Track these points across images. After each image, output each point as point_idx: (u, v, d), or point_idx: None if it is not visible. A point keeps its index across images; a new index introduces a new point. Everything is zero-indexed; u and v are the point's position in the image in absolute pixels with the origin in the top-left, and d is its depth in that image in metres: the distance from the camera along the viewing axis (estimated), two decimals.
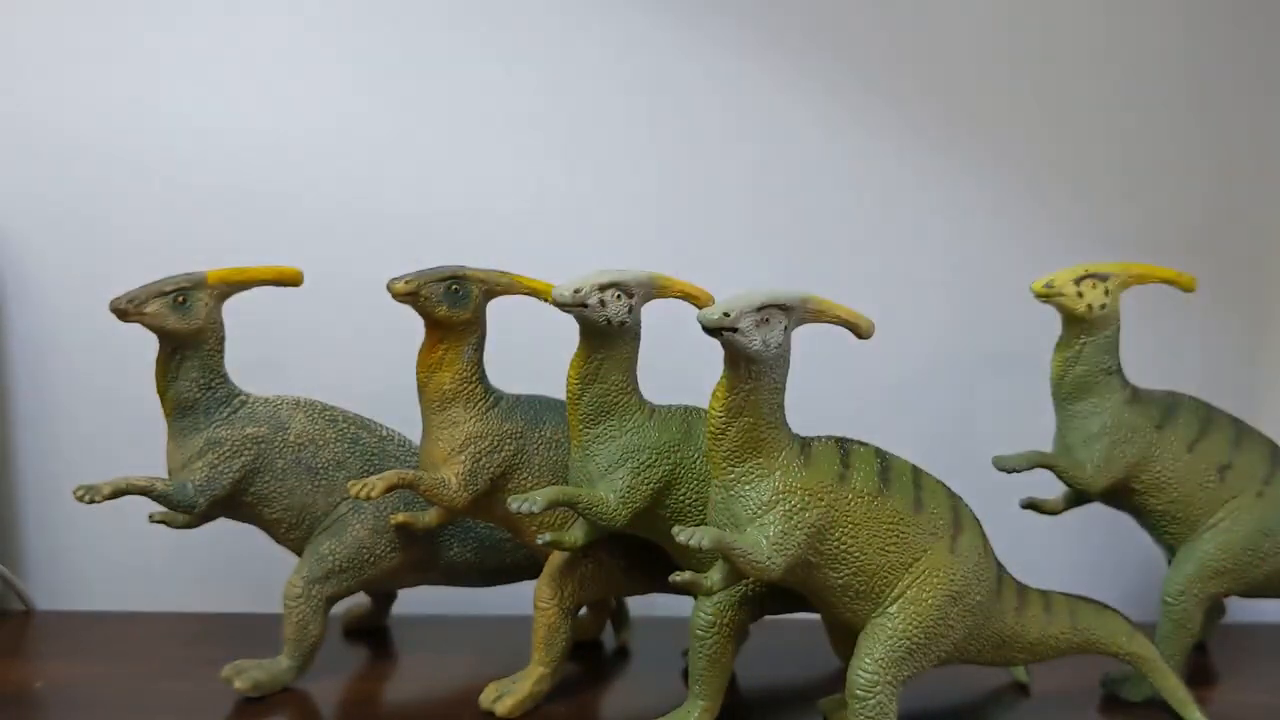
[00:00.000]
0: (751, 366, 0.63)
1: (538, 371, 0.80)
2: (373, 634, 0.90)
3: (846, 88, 0.97)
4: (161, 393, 0.78)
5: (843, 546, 0.66)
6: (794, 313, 0.64)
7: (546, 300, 0.74)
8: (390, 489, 0.73)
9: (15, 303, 0.96)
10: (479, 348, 0.76)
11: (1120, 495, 0.79)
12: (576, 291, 0.69)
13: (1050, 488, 0.83)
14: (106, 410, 0.97)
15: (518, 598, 0.85)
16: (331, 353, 0.96)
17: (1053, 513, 0.82)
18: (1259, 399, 0.98)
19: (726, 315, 0.62)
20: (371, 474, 0.80)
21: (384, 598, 0.92)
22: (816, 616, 0.72)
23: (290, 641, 0.79)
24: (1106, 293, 0.77)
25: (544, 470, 0.76)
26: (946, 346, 0.99)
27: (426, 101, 0.96)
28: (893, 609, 0.67)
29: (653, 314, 0.73)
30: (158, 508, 0.80)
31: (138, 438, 0.90)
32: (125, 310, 0.76)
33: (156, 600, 0.95)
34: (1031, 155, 0.98)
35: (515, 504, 0.69)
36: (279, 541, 0.82)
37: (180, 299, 0.76)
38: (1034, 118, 0.97)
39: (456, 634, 0.90)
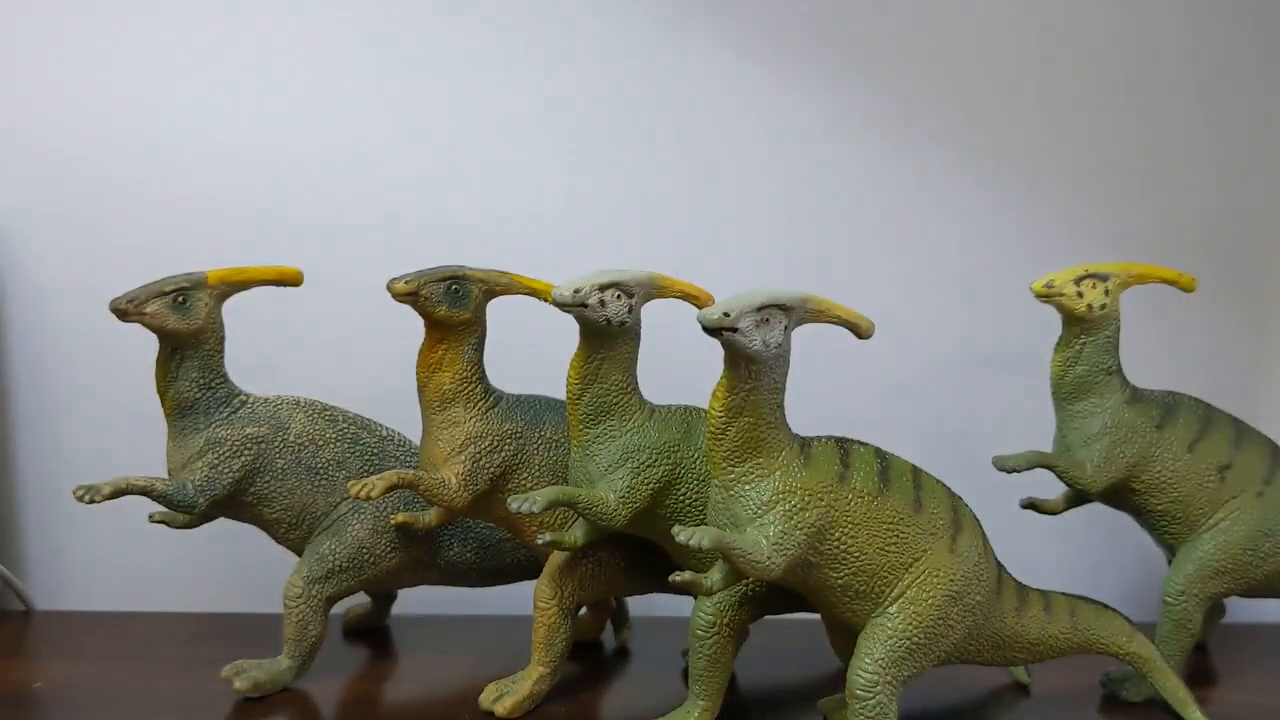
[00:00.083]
0: (751, 366, 0.63)
1: (538, 371, 0.80)
2: (373, 634, 0.90)
3: (849, 88, 0.97)
4: (161, 393, 0.78)
5: (843, 546, 0.66)
6: (794, 313, 0.64)
7: (546, 300, 0.74)
8: (390, 489, 0.73)
9: (15, 303, 0.96)
10: (479, 348, 0.76)
11: (1120, 495, 0.79)
12: (576, 291, 0.69)
13: (1050, 488, 0.83)
14: (106, 410, 0.97)
15: (518, 598, 0.85)
16: (331, 353, 0.96)
17: (1053, 513, 0.82)
18: (1259, 399, 0.98)
19: (726, 315, 0.62)
20: (371, 474, 0.80)
21: (384, 598, 0.92)
22: (816, 616, 0.72)
23: (290, 641, 0.79)
24: (1106, 293, 0.77)
25: (544, 470, 0.76)
26: (946, 347, 0.99)
27: (426, 102, 0.96)
28: (893, 609, 0.67)
29: (653, 314, 0.73)
30: (158, 508, 0.80)
31: (138, 438, 0.90)
32: (125, 310, 0.76)
33: (156, 600, 0.95)
34: (1034, 155, 0.98)
35: (515, 504, 0.69)
36: (279, 541, 0.82)
37: (180, 299, 0.76)
38: (1036, 118, 0.97)
39: (456, 634, 0.90)
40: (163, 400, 0.78)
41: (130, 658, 0.84)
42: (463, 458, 0.74)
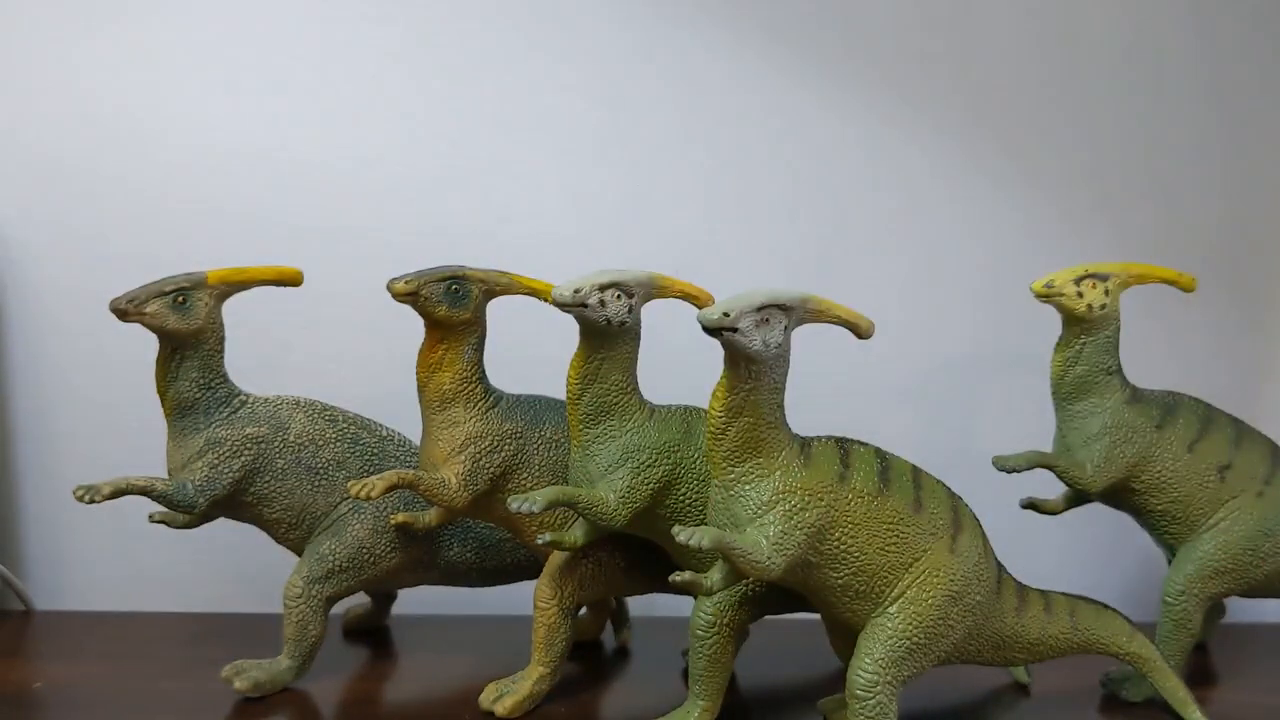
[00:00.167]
0: (751, 366, 0.63)
1: (538, 371, 0.80)
2: (373, 634, 0.90)
3: (850, 88, 0.97)
4: (161, 393, 0.78)
5: (843, 546, 0.66)
6: (794, 313, 0.64)
7: (546, 300, 0.74)
8: (390, 489, 0.73)
9: (15, 303, 0.96)
10: (479, 348, 0.76)
11: (1120, 495, 0.79)
12: (576, 291, 0.69)
13: (1050, 488, 0.83)
14: (106, 411, 0.96)
15: (518, 598, 0.85)
16: (331, 353, 0.96)
17: (1053, 513, 0.82)
18: (1259, 399, 0.98)
19: (726, 315, 0.62)
20: (371, 474, 0.80)
21: (384, 598, 0.92)
22: (816, 616, 0.72)
23: (290, 641, 0.79)
24: (1106, 293, 0.77)
25: (544, 470, 0.76)
26: (946, 346, 0.99)
27: (426, 102, 0.96)
28: (893, 609, 0.67)
29: (653, 314, 0.73)
30: (158, 508, 0.80)
31: (138, 438, 0.90)
32: (125, 310, 0.76)
33: (156, 600, 0.95)
34: (1034, 155, 0.98)
35: (515, 504, 0.69)
36: (279, 541, 0.82)
37: (180, 299, 0.76)
38: (1037, 118, 0.97)
39: (456, 634, 0.90)
40: (163, 400, 0.78)
41: (130, 658, 0.84)
42: (463, 458, 0.74)
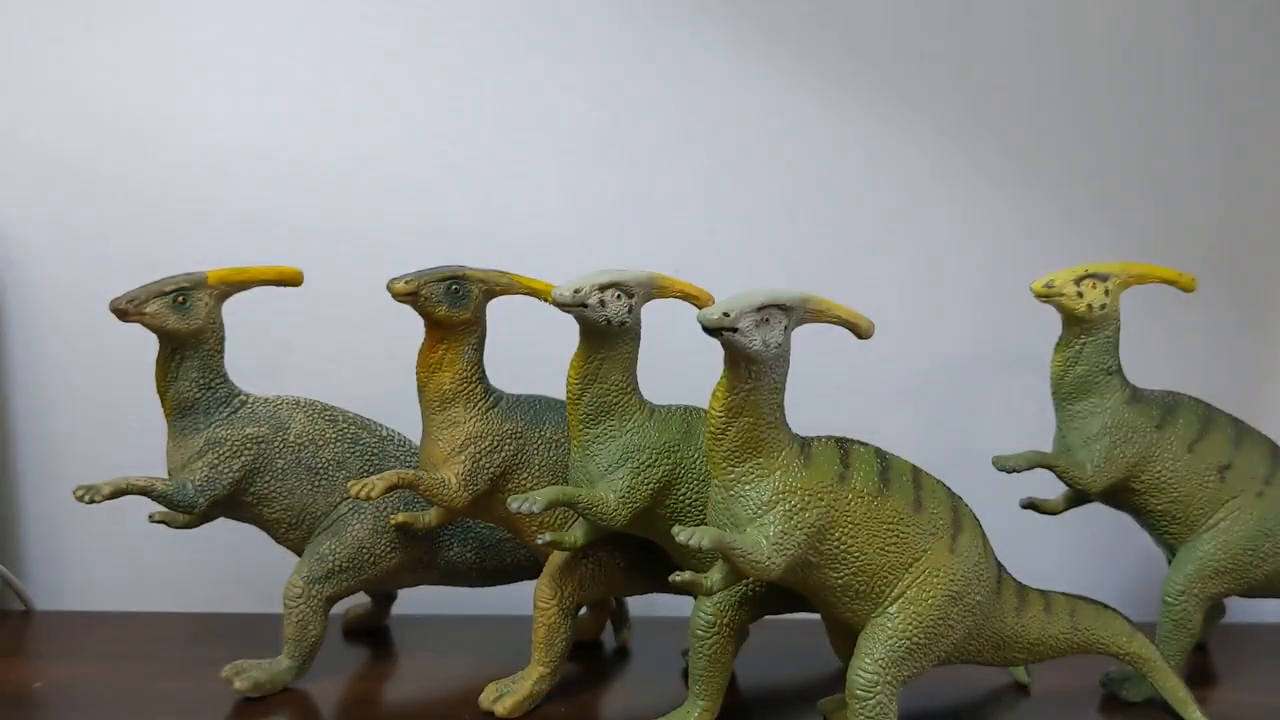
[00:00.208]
0: (751, 366, 0.63)
1: (538, 371, 0.80)
2: (373, 634, 0.90)
3: (850, 88, 0.97)
4: (161, 393, 0.78)
5: (843, 546, 0.66)
6: (794, 313, 0.64)
7: (546, 300, 0.74)
8: (390, 489, 0.73)
9: (15, 303, 0.96)
10: (479, 348, 0.76)
11: (1120, 495, 0.79)
12: (576, 291, 0.69)
13: (1050, 488, 0.83)
14: (106, 411, 0.96)
15: (518, 598, 0.85)
16: (331, 353, 0.96)
17: (1053, 513, 0.82)
18: (1259, 399, 0.98)
19: (726, 315, 0.62)
20: (371, 474, 0.80)
21: (384, 598, 0.92)
22: (816, 616, 0.72)
23: (290, 641, 0.79)
24: (1106, 293, 0.77)
25: (544, 470, 0.76)
26: (947, 346, 0.99)
27: (426, 102, 0.96)
28: (893, 609, 0.67)
29: (653, 314, 0.73)
30: (158, 508, 0.80)
31: (138, 438, 0.90)
32: (125, 310, 0.76)
33: (156, 600, 0.95)
34: (1034, 155, 0.98)
35: (515, 504, 0.69)
36: (279, 541, 0.82)
37: (180, 299, 0.76)
38: (1037, 118, 0.97)
39: (456, 634, 0.90)
40: (163, 400, 0.78)
41: (130, 658, 0.84)
42: (463, 458, 0.74)
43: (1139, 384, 0.80)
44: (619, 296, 0.70)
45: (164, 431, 0.79)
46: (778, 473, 0.65)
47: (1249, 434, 0.80)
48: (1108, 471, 0.78)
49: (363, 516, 0.80)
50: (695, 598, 0.74)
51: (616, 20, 0.96)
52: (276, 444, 0.79)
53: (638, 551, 0.78)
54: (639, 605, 0.89)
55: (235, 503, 0.79)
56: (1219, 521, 0.79)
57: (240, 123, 0.96)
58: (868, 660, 0.67)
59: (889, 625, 0.67)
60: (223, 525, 0.82)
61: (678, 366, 0.79)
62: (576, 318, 0.71)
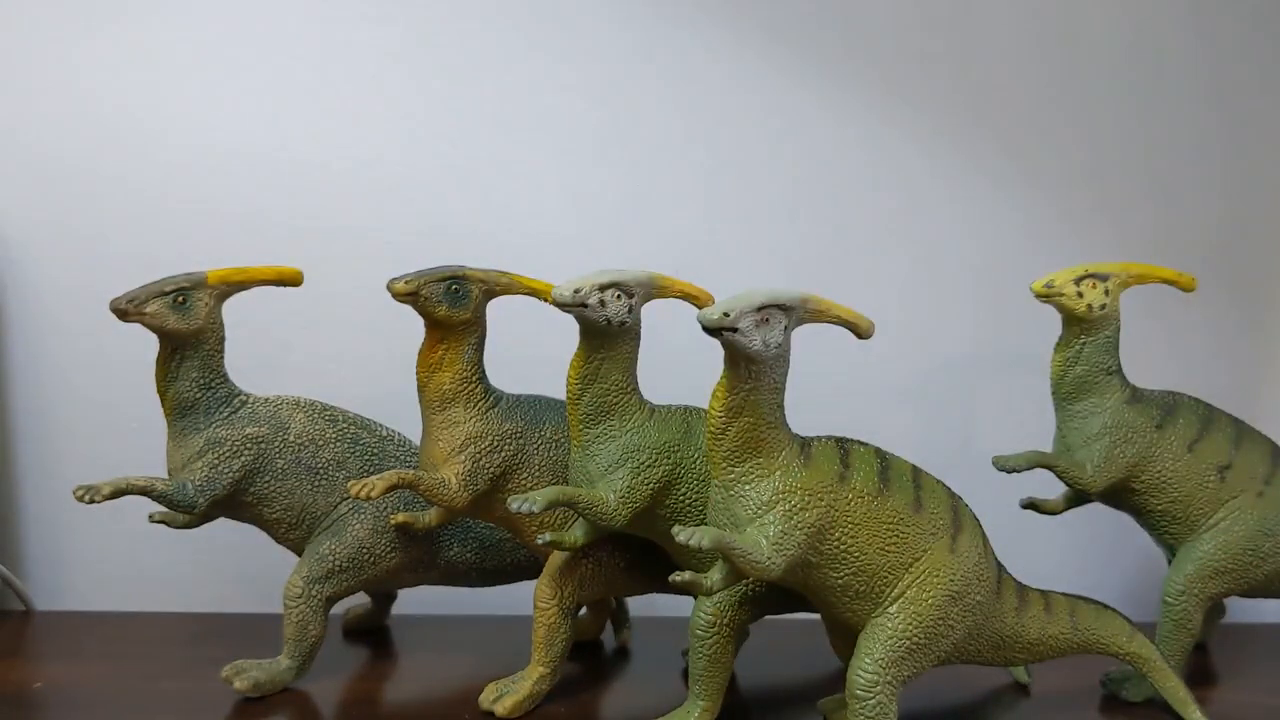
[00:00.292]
0: (751, 366, 0.63)
1: (538, 371, 0.80)
2: (373, 634, 0.90)
3: (850, 88, 0.97)
4: (161, 393, 0.78)
5: (843, 546, 0.66)
6: (794, 313, 0.64)
7: (546, 300, 0.74)
8: (390, 489, 0.73)
9: (15, 303, 0.96)
10: (479, 348, 0.76)
11: (1120, 495, 0.79)
12: (576, 291, 0.69)
13: (1050, 488, 0.83)
14: (106, 410, 0.96)
15: (518, 598, 0.85)
16: (331, 353, 0.96)
17: (1053, 513, 0.82)
18: (1259, 399, 0.98)
19: (726, 315, 0.62)
20: (371, 474, 0.80)
21: (384, 598, 0.92)
22: (816, 616, 0.72)
23: (290, 641, 0.79)
24: (1106, 293, 0.77)
25: (544, 470, 0.76)
26: (947, 346, 0.99)
27: (426, 102, 0.96)
28: (893, 609, 0.67)
29: (653, 314, 0.73)
30: (158, 508, 0.80)
31: (138, 438, 0.90)
32: (125, 310, 0.76)
33: (156, 600, 0.95)
34: (1034, 155, 0.98)
35: (515, 504, 0.69)
36: (279, 541, 0.82)
37: (180, 299, 0.76)
38: (1038, 118, 0.97)
39: (456, 634, 0.90)
40: (163, 400, 0.78)
41: (130, 658, 0.84)
42: (463, 458, 0.74)
43: (1139, 384, 0.80)
44: (619, 296, 0.70)
45: (164, 431, 0.79)
46: (778, 473, 0.65)
47: (1249, 434, 0.80)
48: (1108, 471, 0.78)
49: (363, 516, 0.80)
50: (695, 598, 0.74)
51: (616, 20, 0.96)
52: (276, 444, 0.79)
53: (638, 551, 0.78)
54: (639, 605, 0.89)
55: (235, 503, 0.79)
56: (1219, 521, 0.79)
57: (240, 123, 0.96)
58: (868, 660, 0.67)
59: (889, 625, 0.67)
60: (223, 525, 0.82)
61: (678, 366, 0.79)
62: (576, 318, 0.71)
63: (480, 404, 0.75)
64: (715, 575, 0.66)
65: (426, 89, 0.96)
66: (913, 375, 0.99)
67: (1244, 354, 0.99)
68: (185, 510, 0.77)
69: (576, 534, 0.74)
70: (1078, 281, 0.77)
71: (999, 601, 0.71)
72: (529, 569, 0.85)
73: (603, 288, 0.70)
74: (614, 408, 0.72)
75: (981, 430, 0.98)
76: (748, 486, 0.65)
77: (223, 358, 0.79)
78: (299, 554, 0.81)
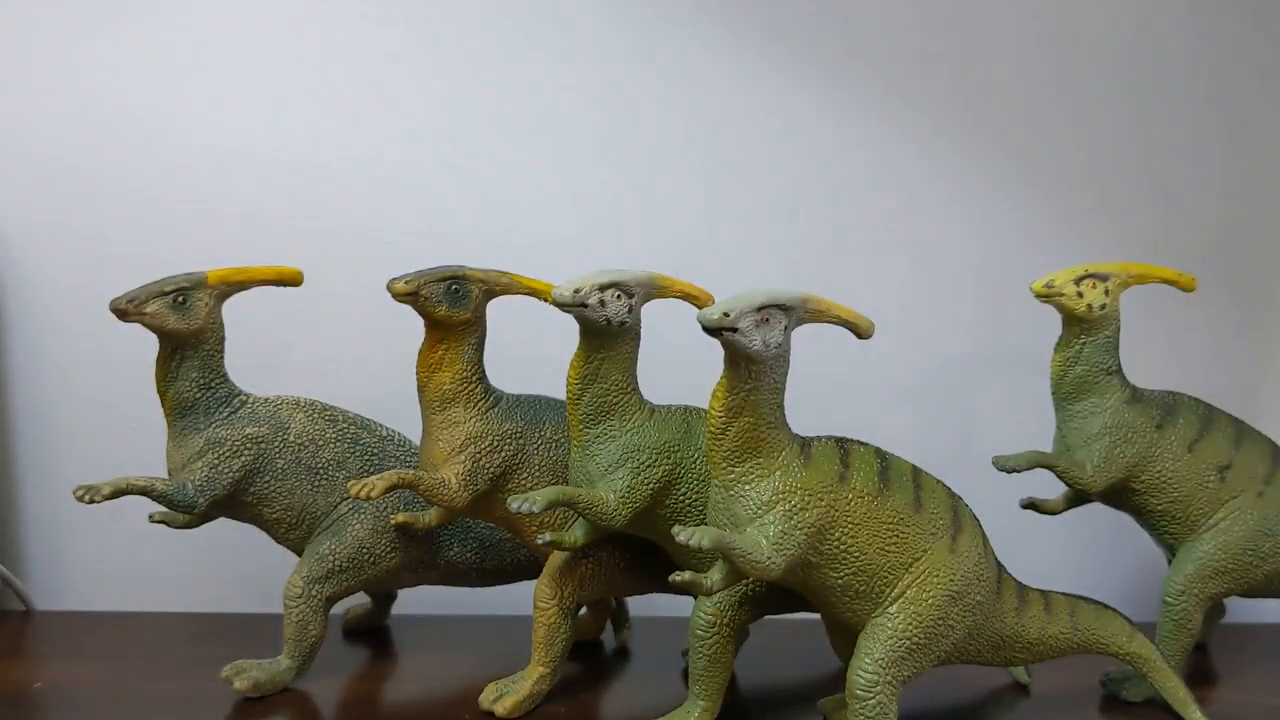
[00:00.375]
0: (751, 366, 0.63)
1: (538, 371, 0.80)
2: (373, 634, 0.90)
3: (850, 88, 0.97)
4: (161, 393, 0.78)
5: (843, 546, 0.66)
6: (794, 313, 0.64)
7: (546, 300, 0.74)
8: (390, 489, 0.73)
9: (15, 303, 0.96)
10: (479, 348, 0.76)
11: (1120, 495, 0.79)
12: (576, 291, 0.69)
13: (1050, 488, 0.83)
14: (106, 410, 0.96)
15: (518, 598, 0.85)
16: (331, 353, 0.96)
17: (1053, 513, 0.82)
18: (1259, 399, 0.98)
19: (726, 315, 0.62)
20: (371, 474, 0.80)
21: (384, 598, 0.92)
22: (816, 616, 0.72)
23: (290, 641, 0.79)
24: (1106, 293, 0.77)
25: (544, 470, 0.76)
26: (947, 346, 0.99)
27: (426, 102, 0.96)
28: (893, 609, 0.67)
29: (653, 314, 0.73)
30: (158, 508, 0.80)
31: (138, 438, 0.90)
32: (125, 310, 0.76)
33: (156, 600, 0.95)
34: (1034, 155, 0.98)
35: (515, 504, 0.69)
36: (279, 541, 0.82)
37: (180, 299, 0.76)
38: (1038, 118, 0.97)
39: (456, 634, 0.90)
40: (163, 400, 0.78)
41: (130, 658, 0.84)
42: (463, 458, 0.74)
43: (1139, 384, 0.80)
44: (619, 296, 0.70)
45: (164, 431, 0.79)
46: (778, 473, 0.65)
47: (1249, 434, 0.80)
48: (1108, 471, 0.78)
49: (363, 516, 0.80)
50: (695, 598, 0.74)
51: (616, 20, 0.96)
52: (276, 444, 0.79)
53: (638, 551, 0.78)
54: (639, 605, 0.89)
55: (235, 503, 0.79)
56: (1219, 521, 0.79)
57: (240, 123, 0.96)
58: (868, 660, 0.67)
59: (889, 625, 0.67)
60: (223, 525, 0.82)
61: (678, 366, 0.79)
62: (576, 318, 0.71)
63: (480, 404, 0.75)
64: (715, 575, 0.66)
65: (426, 89, 0.96)
66: (913, 375, 0.99)
67: (1244, 354, 0.99)
68: (185, 510, 0.77)
69: (576, 534, 0.74)
70: (1078, 281, 0.77)
71: (999, 601, 0.71)
72: (529, 569, 0.85)
73: (603, 288, 0.70)
74: (614, 408, 0.72)
75: (981, 430, 0.98)
76: (748, 486, 0.65)
77: (223, 358, 0.79)
78: (299, 554, 0.81)
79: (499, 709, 0.76)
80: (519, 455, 0.76)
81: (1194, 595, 0.78)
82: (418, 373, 0.75)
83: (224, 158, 0.96)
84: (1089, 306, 0.77)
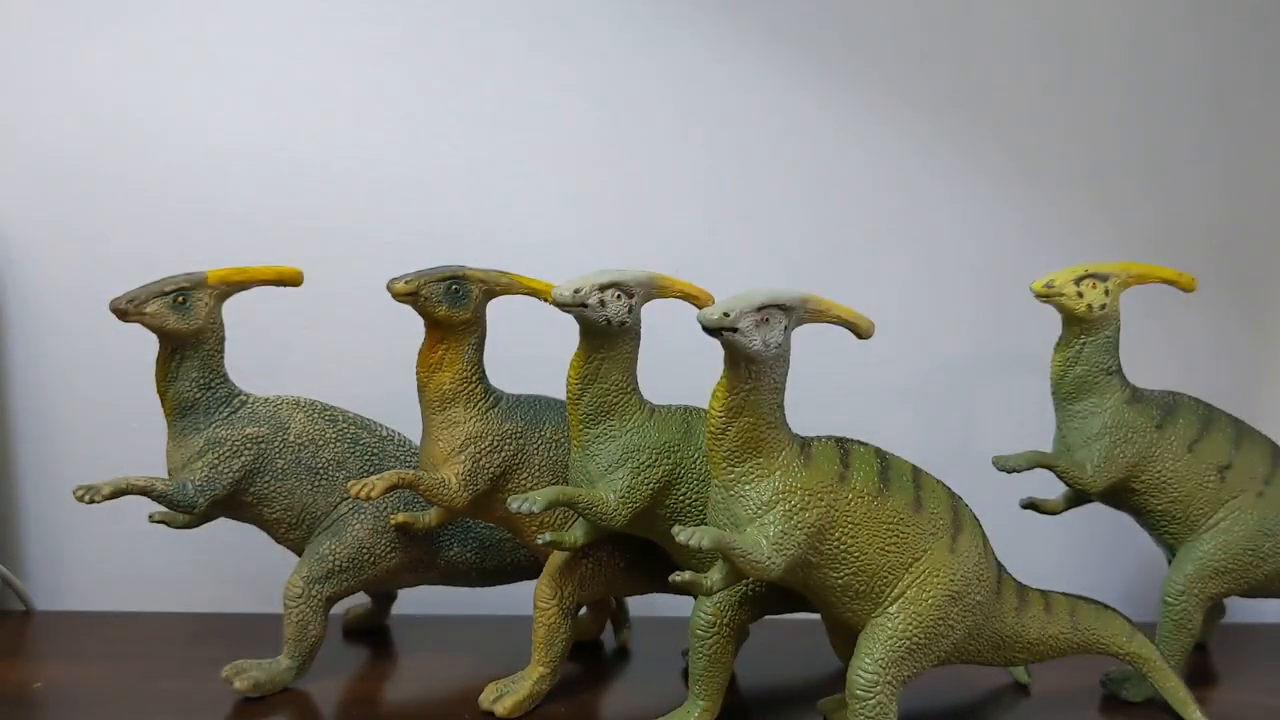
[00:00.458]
0: (751, 366, 0.63)
1: (538, 371, 0.80)
2: (373, 634, 0.90)
3: (851, 88, 0.97)
4: (161, 393, 0.78)
5: (843, 546, 0.66)
6: (794, 313, 0.64)
7: (546, 300, 0.74)
8: (390, 489, 0.73)
9: (15, 303, 0.96)
10: (479, 348, 0.76)
11: (1120, 495, 0.79)
12: (576, 291, 0.69)
13: (1050, 488, 0.83)
14: (106, 410, 0.96)
15: (518, 598, 0.85)
16: (331, 353, 0.96)
17: (1053, 513, 0.82)
18: (1259, 399, 0.98)
19: (726, 315, 0.62)
20: (371, 474, 0.80)
21: (384, 598, 0.92)
22: (816, 616, 0.72)
23: (290, 641, 0.79)
24: (1106, 293, 0.77)
25: (544, 470, 0.76)
26: (947, 346, 0.99)
27: (426, 102, 0.96)
28: (893, 609, 0.67)
29: (653, 314, 0.73)
30: (158, 508, 0.80)
31: (138, 438, 0.90)
32: (125, 310, 0.76)
33: (156, 600, 0.95)
34: (1035, 155, 0.98)
35: (515, 504, 0.69)
36: (279, 541, 0.82)
37: (180, 299, 0.76)
38: (1038, 118, 0.97)
39: (456, 634, 0.90)
40: (163, 400, 0.78)
41: (130, 658, 0.84)
42: (463, 458, 0.74)
43: (1139, 384, 0.80)
44: (619, 296, 0.70)
45: (164, 431, 0.79)
46: (778, 473, 0.65)
47: (1249, 434, 0.80)
48: (1108, 471, 0.78)
49: (363, 516, 0.80)
50: (695, 598, 0.74)
51: (616, 20, 0.96)
52: (276, 444, 0.79)
53: (638, 551, 0.78)
54: (639, 605, 0.89)
55: (235, 503, 0.79)
56: (1219, 521, 0.79)
57: (240, 123, 0.96)
58: (868, 660, 0.67)
59: (889, 625, 0.67)
60: (223, 525, 0.82)
61: (678, 366, 0.79)
62: (576, 318, 0.71)
63: (480, 404, 0.75)
64: (715, 575, 0.66)
65: (426, 89, 0.96)
66: (913, 375, 0.99)
67: (1244, 354, 0.99)
68: (185, 510, 0.77)
69: (576, 534, 0.74)
70: (1078, 281, 0.77)
71: (999, 601, 0.71)
72: (529, 569, 0.85)
73: (603, 288, 0.70)
74: (614, 408, 0.72)
75: (981, 430, 0.98)
76: (748, 486, 0.65)
77: (223, 358, 0.79)
78: (299, 554, 0.81)
79: (499, 709, 0.76)
80: (519, 455, 0.76)
81: (1194, 595, 0.78)
82: (418, 373, 0.75)
83: (224, 158, 0.96)
84: (1089, 306, 0.77)
